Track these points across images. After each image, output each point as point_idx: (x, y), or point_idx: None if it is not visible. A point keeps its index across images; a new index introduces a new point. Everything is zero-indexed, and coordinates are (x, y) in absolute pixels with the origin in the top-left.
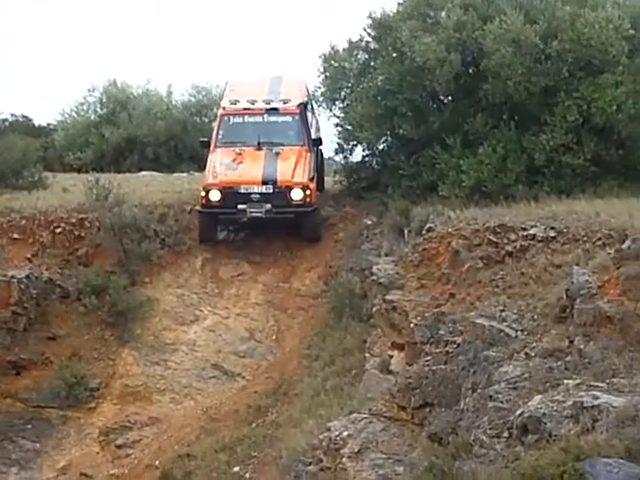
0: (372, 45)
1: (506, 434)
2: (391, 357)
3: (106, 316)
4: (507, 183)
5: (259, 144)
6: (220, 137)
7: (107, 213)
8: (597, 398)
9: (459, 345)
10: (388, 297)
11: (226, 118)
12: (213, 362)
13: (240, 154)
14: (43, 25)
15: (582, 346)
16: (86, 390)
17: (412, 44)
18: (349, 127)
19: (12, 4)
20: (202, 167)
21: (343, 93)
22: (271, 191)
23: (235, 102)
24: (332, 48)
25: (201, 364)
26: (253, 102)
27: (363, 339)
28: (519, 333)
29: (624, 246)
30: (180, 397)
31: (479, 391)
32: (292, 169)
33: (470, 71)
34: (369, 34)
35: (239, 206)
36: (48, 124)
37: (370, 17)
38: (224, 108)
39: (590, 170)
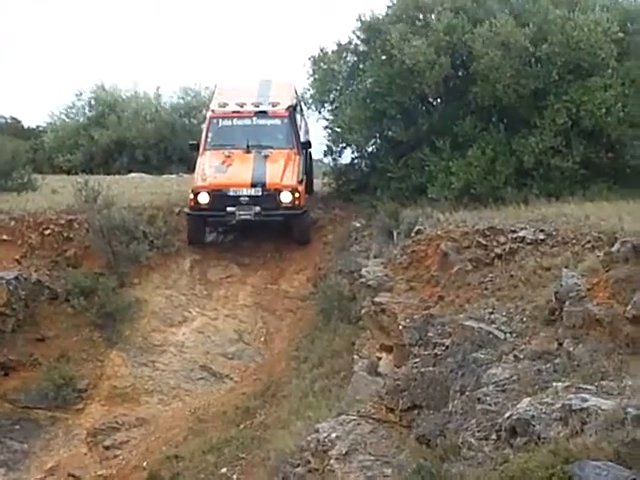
0: (361, 48)
1: (494, 436)
2: (379, 359)
3: (95, 317)
4: (496, 185)
5: (248, 147)
6: (209, 140)
7: (96, 215)
8: (586, 401)
9: (448, 347)
10: (377, 299)
11: (215, 121)
12: (201, 363)
13: (229, 157)
14: (33, 27)
15: (571, 348)
16: (74, 391)
17: (402, 47)
18: (338, 129)
19: (3, 7)
20: (191, 169)
21: (332, 95)
22: (260, 194)
23: (224, 105)
24: (321, 50)
25: (189, 365)
26: (242, 105)
27: (352, 341)
28: (508, 335)
29: (613, 249)
30: (168, 398)
31: (467, 393)
32: (281, 172)
33: (460, 74)
34: (358, 37)
35: (228, 209)
36: (37, 126)
37: (359, 20)
38: (213, 111)
39: (579, 173)
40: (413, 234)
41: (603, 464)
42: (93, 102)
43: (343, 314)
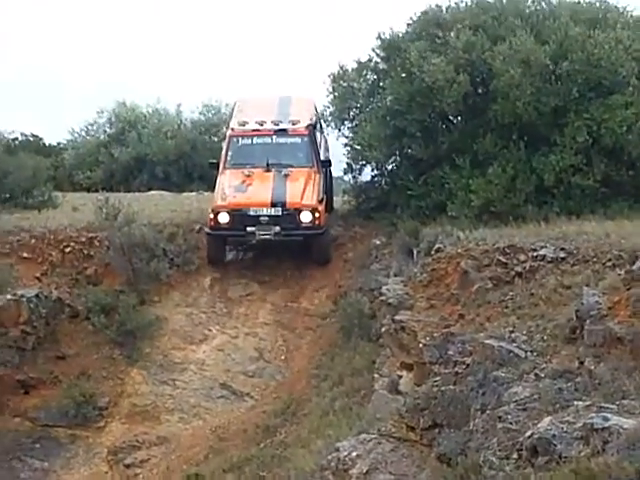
0: (381, 65)
1: (515, 455)
2: (400, 377)
3: (115, 335)
4: (516, 203)
5: (268, 166)
6: (229, 159)
7: (116, 232)
8: (607, 420)
9: (468, 366)
10: (397, 317)
11: (235, 139)
12: (222, 382)
13: (249, 176)
14: (55, 45)
15: (592, 367)
16: (95, 409)
17: (421, 65)
18: (358, 147)
19: (23, 23)
20: (211, 187)
21: (352, 113)
22: (280, 213)
23: (244, 123)
24: (341, 68)
25: (210, 383)
26: (262, 123)
27: (372, 359)
28: (529, 354)
29: (634, 267)
30: (189, 417)
31: (488, 412)
32: (301, 191)
33: (479, 91)
34: (378, 54)
35: (248, 228)
36: (58, 143)
37: (379, 38)
38: (233, 129)
39: (600, 191)
40: (433, 252)
41: None
42: (113, 119)
43: (363, 332)
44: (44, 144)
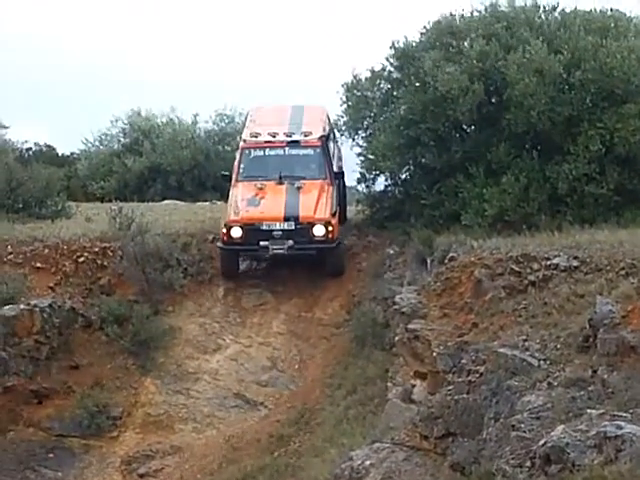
0: (395, 75)
1: (529, 464)
2: (413, 386)
3: (129, 345)
4: (530, 212)
5: (280, 178)
6: (241, 171)
7: (130, 242)
8: (621, 428)
9: (482, 374)
10: (410, 326)
11: (247, 151)
12: (235, 391)
13: (262, 189)
14: (67, 53)
15: (605, 376)
16: (108, 419)
17: (435, 74)
18: (372, 156)
19: (14, 23)
20: (225, 197)
21: (366, 122)
22: (293, 228)
23: (256, 135)
24: (355, 77)
25: (223, 393)
26: (274, 135)
27: (385, 368)
28: (542, 363)
29: None
30: (202, 426)
31: (502, 421)
32: (314, 205)
33: (493, 100)
34: (391, 63)
35: (261, 243)
36: (72, 153)
37: (393, 47)
38: (245, 141)
39: (613, 200)
40: (447, 261)
41: None
42: (128, 129)
43: (377, 341)
44: (57, 154)
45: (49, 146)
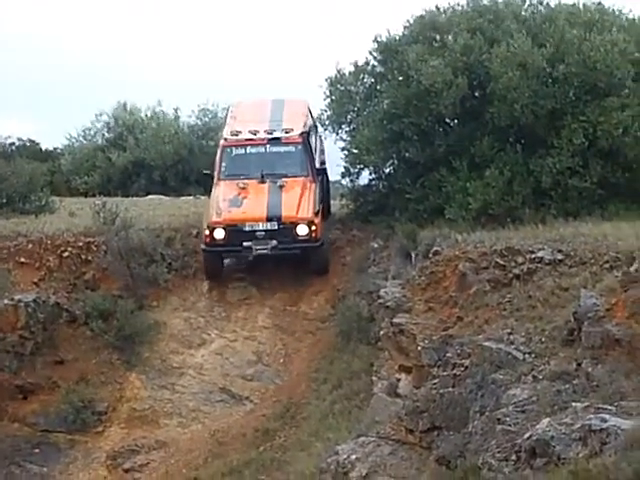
0: (378, 69)
1: (514, 457)
2: (399, 380)
3: (113, 340)
4: (514, 206)
5: (262, 177)
6: (223, 170)
7: (114, 237)
8: (605, 421)
9: (467, 368)
10: (395, 320)
11: (228, 150)
12: (220, 386)
13: (244, 188)
14: (41, 42)
15: (590, 369)
16: (93, 414)
17: (419, 67)
18: (355, 151)
19: (14, 23)
20: (208, 192)
21: (349, 117)
22: (276, 228)
23: (237, 133)
24: (338, 72)
25: (208, 387)
26: (255, 132)
27: (371, 362)
28: (527, 356)
29: (631, 269)
30: (188, 421)
31: (487, 414)
32: (297, 204)
33: (476, 94)
34: (375, 58)
35: (244, 244)
36: (55, 148)
37: (376, 40)
38: (226, 139)
39: (597, 193)
40: (431, 255)
41: None
42: (112, 123)
43: (362, 335)
44: (41, 149)
45: (32, 141)
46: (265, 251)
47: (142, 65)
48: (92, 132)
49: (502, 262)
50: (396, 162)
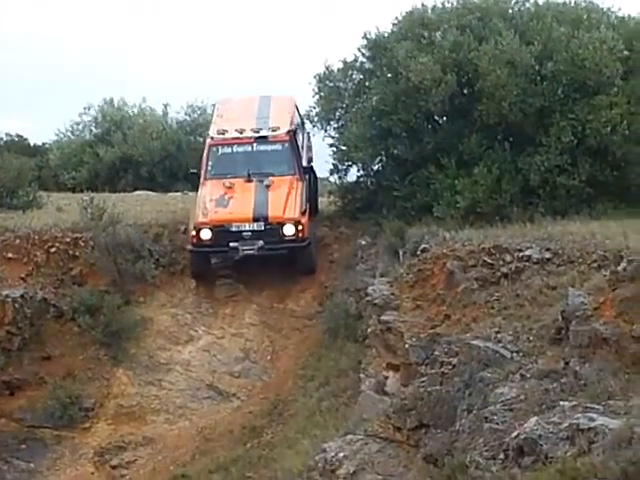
0: (367, 65)
1: (502, 456)
2: (386, 378)
3: (100, 336)
4: (502, 204)
5: (249, 175)
6: (209, 169)
7: (101, 233)
8: (593, 420)
9: (454, 366)
10: (383, 318)
11: (214, 149)
12: (208, 382)
13: (230, 187)
14: (41, 42)
15: (578, 368)
16: (80, 410)
17: (408, 64)
18: (344, 147)
19: (14, 23)
20: (196, 188)
21: (338, 113)
22: (263, 228)
23: (223, 132)
24: (327, 68)
25: (196, 384)
26: (241, 131)
27: (358, 360)
28: (515, 354)
29: (619, 268)
30: (175, 417)
31: (475, 412)
32: (283, 204)
33: (465, 92)
34: (364, 54)
35: (231, 244)
36: (43, 143)
37: (365, 37)
38: (212, 138)
39: (585, 191)
40: (419, 253)
41: None
42: (99, 119)
43: (349, 333)
44: (29, 144)
45: (20, 136)
46: (252, 251)
47: (141, 64)
48: (80, 127)
49: (490, 260)
50: (384, 159)
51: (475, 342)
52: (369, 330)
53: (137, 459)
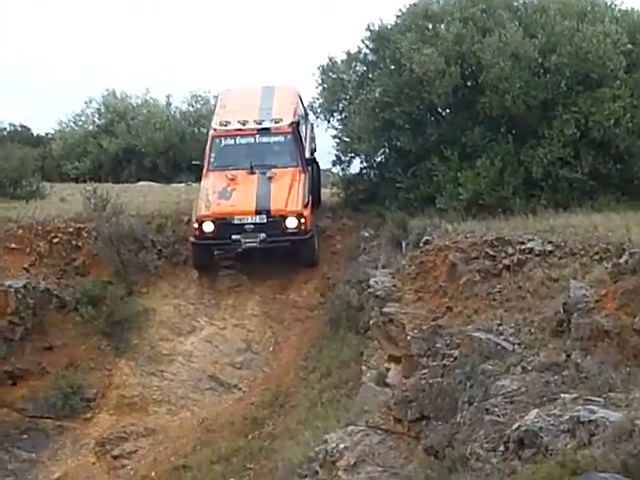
0: (370, 57)
1: (502, 448)
2: (388, 370)
3: (103, 326)
4: (504, 196)
5: (252, 167)
6: (212, 160)
7: (105, 223)
8: (594, 412)
9: (456, 358)
10: (385, 309)
11: (217, 140)
12: (210, 373)
13: (233, 179)
14: (43, 32)
15: (579, 360)
16: (82, 400)
17: (411, 56)
18: (347, 139)
19: (12, 16)
20: (199, 179)
21: (341, 105)
22: (265, 221)
23: (226, 123)
24: (330, 60)
25: (198, 375)
26: (244, 123)
27: (360, 351)
28: (516, 347)
29: (621, 260)
30: (176, 408)
31: (476, 404)
32: (286, 196)
33: (468, 84)
34: (367, 46)
35: (233, 236)
36: (46, 134)
37: (368, 29)
38: (215, 130)
39: (588, 184)
40: (421, 244)
41: (610, 476)
42: (103, 109)
43: (351, 324)
44: (32, 134)
45: (24, 126)
46: (254, 244)
47: (143, 54)
48: (83, 118)
49: (492, 252)
50: (387, 151)
51: (477, 334)
52: (371, 322)
53: (138, 449)
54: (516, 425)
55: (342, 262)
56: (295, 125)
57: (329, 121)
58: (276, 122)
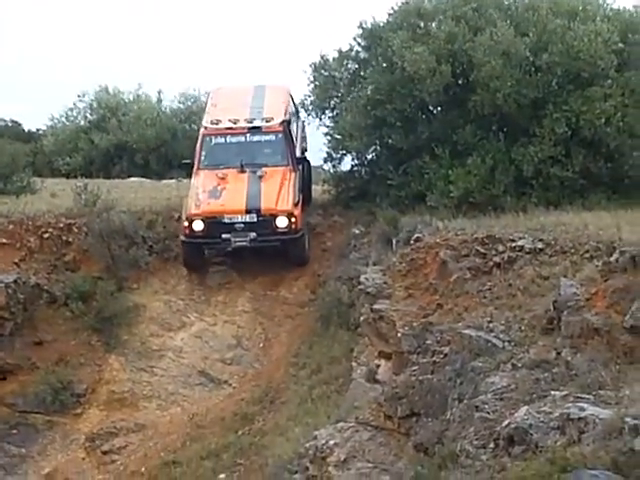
0: (362, 55)
1: (492, 445)
2: (378, 366)
3: (93, 322)
4: (495, 194)
5: (242, 166)
6: (202, 159)
7: (95, 219)
8: (584, 410)
9: (446, 355)
10: (375, 306)
11: (208, 139)
12: (199, 369)
13: (223, 178)
14: (36, 28)
15: (569, 358)
16: (72, 396)
17: (403, 54)
18: (338, 136)
19: (12, 16)
20: (190, 175)
21: (333, 102)
22: (255, 220)
23: (217, 122)
24: (322, 57)
25: (187, 371)
26: (235, 121)
27: (350, 348)
28: (506, 344)
29: (612, 259)
30: (166, 404)
31: (466, 401)
32: (276, 195)
33: (460, 82)
34: (359, 44)
35: (223, 235)
36: (38, 129)
37: (360, 27)
38: (205, 128)
39: (578, 182)
40: (412, 242)
41: (600, 473)
42: (94, 105)
43: (342, 321)
44: (23, 130)
45: (15, 122)
46: (244, 243)
47: (136, 52)
48: (75, 113)
49: (483, 250)
50: (379, 148)
51: (467, 331)
52: (361, 318)
53: (128, 445)
54: (506, 422)
55: (333, 259)
56: (286, 124)
57: (321, 118)
58: (267, 121)
